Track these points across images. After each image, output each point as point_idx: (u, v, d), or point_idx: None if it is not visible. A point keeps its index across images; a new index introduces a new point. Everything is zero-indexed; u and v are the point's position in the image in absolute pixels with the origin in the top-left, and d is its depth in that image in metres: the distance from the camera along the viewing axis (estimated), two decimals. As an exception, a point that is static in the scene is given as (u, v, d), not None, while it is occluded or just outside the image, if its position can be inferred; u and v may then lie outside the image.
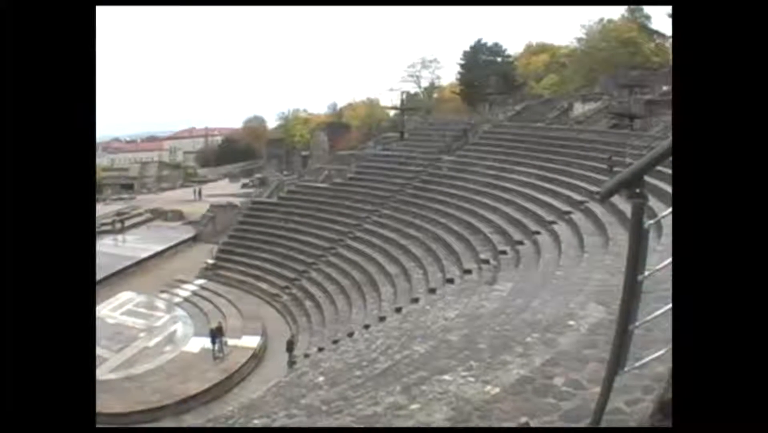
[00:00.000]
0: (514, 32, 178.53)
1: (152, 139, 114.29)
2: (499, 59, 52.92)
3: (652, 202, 10.38)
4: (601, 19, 47.40)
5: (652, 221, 2.00)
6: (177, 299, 28.17)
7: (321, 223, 31.11)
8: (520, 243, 18.80)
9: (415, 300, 18.62)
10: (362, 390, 6.94)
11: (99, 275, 26.42)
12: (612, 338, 2.17)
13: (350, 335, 18.53)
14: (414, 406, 5.01)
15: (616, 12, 49.51)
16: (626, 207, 12.18)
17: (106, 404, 16.73)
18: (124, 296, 28.77)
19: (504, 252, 18.70)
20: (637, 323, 2.07)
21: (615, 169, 19.74)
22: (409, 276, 21.78)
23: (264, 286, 28.88)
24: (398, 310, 18.37)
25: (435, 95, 62.46)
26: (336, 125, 58.74)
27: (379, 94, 72.48)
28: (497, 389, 4.82)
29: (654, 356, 2.34)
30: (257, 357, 22.19)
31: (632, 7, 46.87)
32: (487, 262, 18.74)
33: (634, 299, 2.02)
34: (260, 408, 8.79)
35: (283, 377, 17.02)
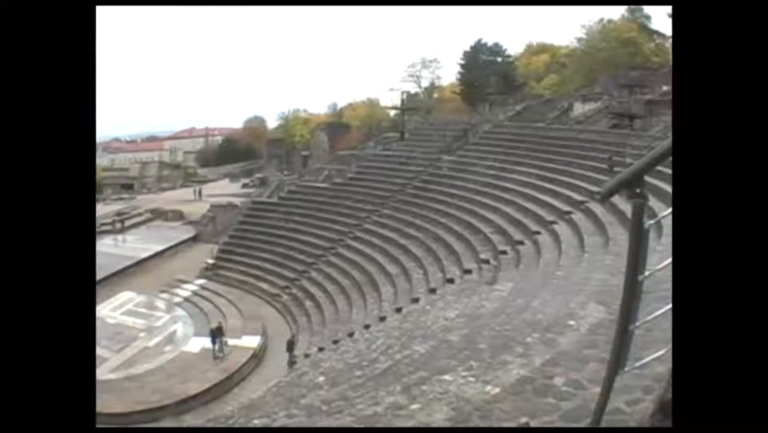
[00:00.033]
0: (514, 32, 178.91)
1: (152, 139, 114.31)
2: (499, 59, 52.92)
3: (652, 202, 10.38)
4: (601, 19, 47.47)
5: (652, 221, 2.00)
6: (177, 299, 28.17)
7: (321, 223, 31.12)
8: (521, 243, 18.79)
9: (416, 300, 18.62)
10: (362, 390, 6.94)
11: (99, 275, 26.43)
12: (612, 338, 2.17)
13: (350, 335, 18.53)
14: (414, 406, 5.01)
15: (616, 12, 49.60)
16: (626, 207, 12.19)
17: (106, 404, 16.74)
18: (124, 296, 28.77)
19: (504, 252, 18.69)
20: (637, 323, 2.07)
21: (615, 169, 19.73)
22: (410, 276, 21.78)
23: (264, 286, 28.89)
24: (398, 310, 18.37)
25: (435, 95, 62.45)
26: (336, 125, 58.75)
27: (379, 94, 72.56)
28: (497, 389, 4.82)
29: (654, 356, 2.34)
30: (257, 357, 22.19)
31: (632, 7, 46.86)
32: (487, 262, 18.74)
33: (635, 299, 2.02)
34: (260, 408, 8.78)
35: (284, 377, 17.02)
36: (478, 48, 52.89)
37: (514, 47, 71.58)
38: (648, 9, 46.45)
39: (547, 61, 52.80)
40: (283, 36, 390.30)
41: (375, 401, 5.75)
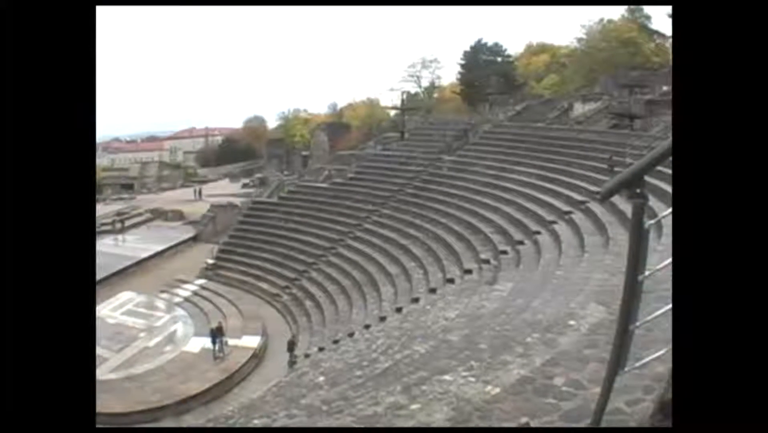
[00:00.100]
0: (514, 32, 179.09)
1: (152, 139, 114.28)
2: (499, 59, 52.92)
3: (653, 202, 10.38)
4: (601, 19, 47.50)
5: (652, 221, 2.00)
6: (177, 299, 28.17)
7: (321, 223, 31.12)
8: (521, 243, 18.80)
9: (416, 300, 18.62)
10: (363, 390, 6.94)
11: (99, 275, 26.43)
12: (612, 338, 2.17)
13: (351, 334, 18.53)
14: (414, 406, 5.01)
15: (616, 12, 49.64)
16: (626, 207, 12.20)
17: (106, 404, 16.74)
18: (125, 295, 28.77)
19: (504, 252, 18.70)
20: (637, 323, 2.07)
21: (615, 169, 19.73)
22: (410, 276, 21.78)
23: (264, 286, 28.89)
24: (399, 310, 18.37)
25: (435, 95, 62.45)
26: (336, 125, 58.74)
27: (379, 94, 72.53)
28: (497, 389, 4.82)
29: (654, 356, 2.34)
30: (257, 357, 22.19)
31: (632, 7, 46.88)
32: (487, 262, 18.74)
33: (635, 299, 2.02)
34: (260, 408, 8.78)
35: (284, 377, 17.02)
36: (478, 48, 52.90)
37: (514, 47, 71.82)
38: (648, 9, 46.57)
39: (547, 61, 52.82)
40: (283, 36, 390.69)
41: (375, 401, 5.75)
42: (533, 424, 3.56)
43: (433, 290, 18.84)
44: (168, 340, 23.66)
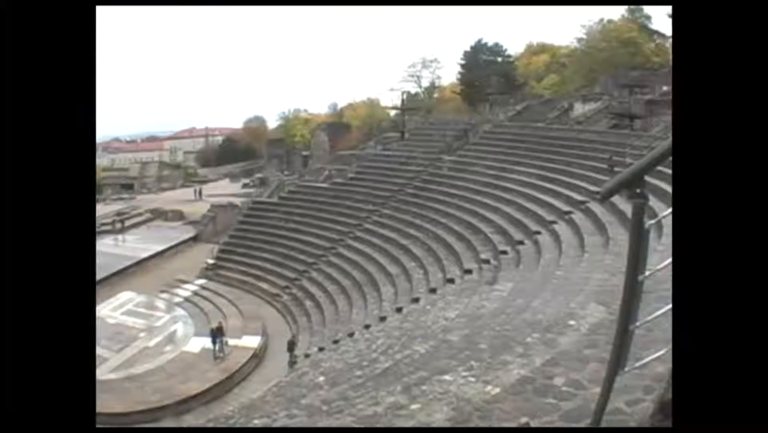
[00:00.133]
0: (514, 32, 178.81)
1: (152, 139, 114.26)
2: (499, 59, 52.93)
3: (653, 202, 10.37)
4: (601, 19, 47.49)
5: (652, 221, 2.00)
6: (177, 299, 28.17)
7: (321, 223, 31.12)
8: (521, 243, 18.80)
9: (416, 300, 18.62)
10: (363, 390, 6.94)
11: (99, 275, 26.43)
12: (612, 338, 2.17)
13: (351, 334, 18.53)
14: (414, 406, 5.01)
15: (616, 12, 49.64)
16: (626, 207, 12.20)
17: (106, 404, 16.74)
18: (125, 295, 28.77)
19: (504, 252, 18.70)
20: (637, 323, 2.07)
21: (615, 169, 19.73)
22: (410, 276, 21.78)
23: (264, 286, 28.89)
24: (399, 310, 18.38)
25: (435, 95, 62.45)
26: (336, 125, 58.76)
27: (379, 94, 72.32)
28: (498, 389, 4.82)
29: (654, 356, 2.34)
30: (258, 357, 22.20)
31: (632, 7, 46.88)
32: (487, 262, 18.74)
33: (635, 299, 2.02)
34: (260, 408, 8.78)
35: (284, 377, 17.03)
36: (479, 48, 52.91)
37: (514, 47, 71.65)
38: (648, 9, 46.56)
39: (547, 61, 52.82)
40: (283, 36, 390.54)
41: (375, 401, 5.75)
42: (533, 424, 3.56)
43: (433, 290, 18.84)
44: (168, 340, 23.66)
